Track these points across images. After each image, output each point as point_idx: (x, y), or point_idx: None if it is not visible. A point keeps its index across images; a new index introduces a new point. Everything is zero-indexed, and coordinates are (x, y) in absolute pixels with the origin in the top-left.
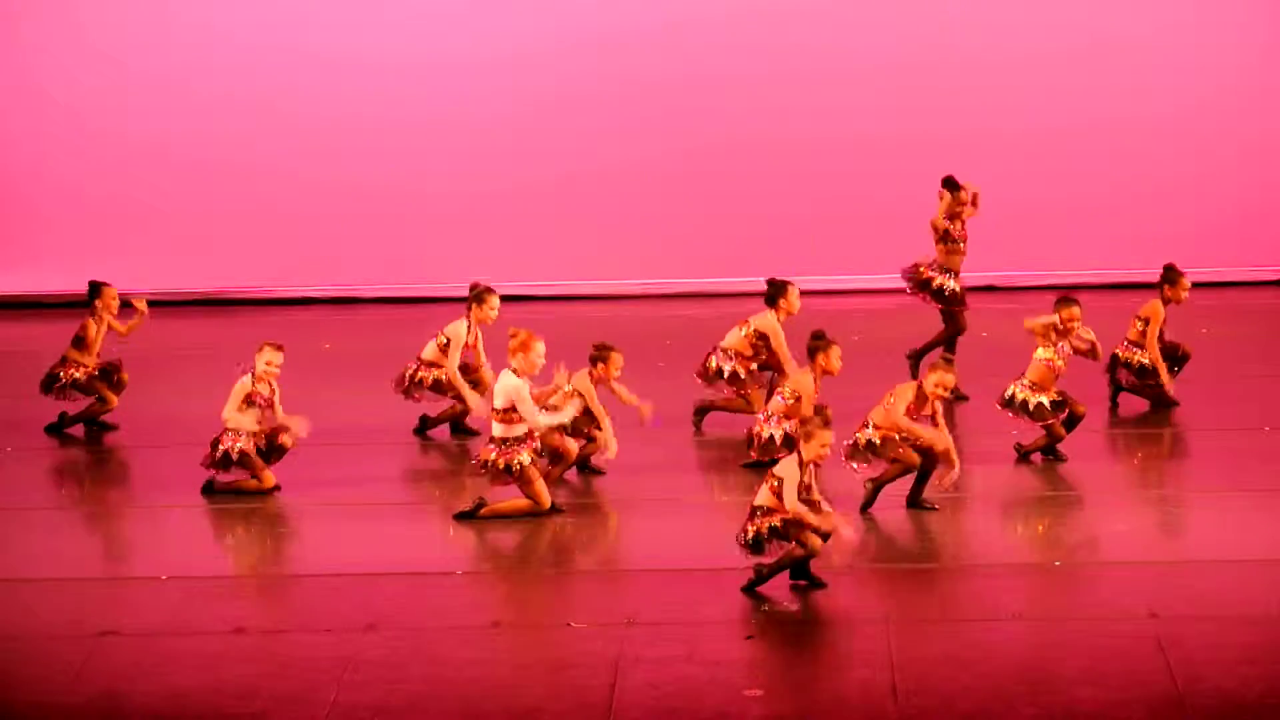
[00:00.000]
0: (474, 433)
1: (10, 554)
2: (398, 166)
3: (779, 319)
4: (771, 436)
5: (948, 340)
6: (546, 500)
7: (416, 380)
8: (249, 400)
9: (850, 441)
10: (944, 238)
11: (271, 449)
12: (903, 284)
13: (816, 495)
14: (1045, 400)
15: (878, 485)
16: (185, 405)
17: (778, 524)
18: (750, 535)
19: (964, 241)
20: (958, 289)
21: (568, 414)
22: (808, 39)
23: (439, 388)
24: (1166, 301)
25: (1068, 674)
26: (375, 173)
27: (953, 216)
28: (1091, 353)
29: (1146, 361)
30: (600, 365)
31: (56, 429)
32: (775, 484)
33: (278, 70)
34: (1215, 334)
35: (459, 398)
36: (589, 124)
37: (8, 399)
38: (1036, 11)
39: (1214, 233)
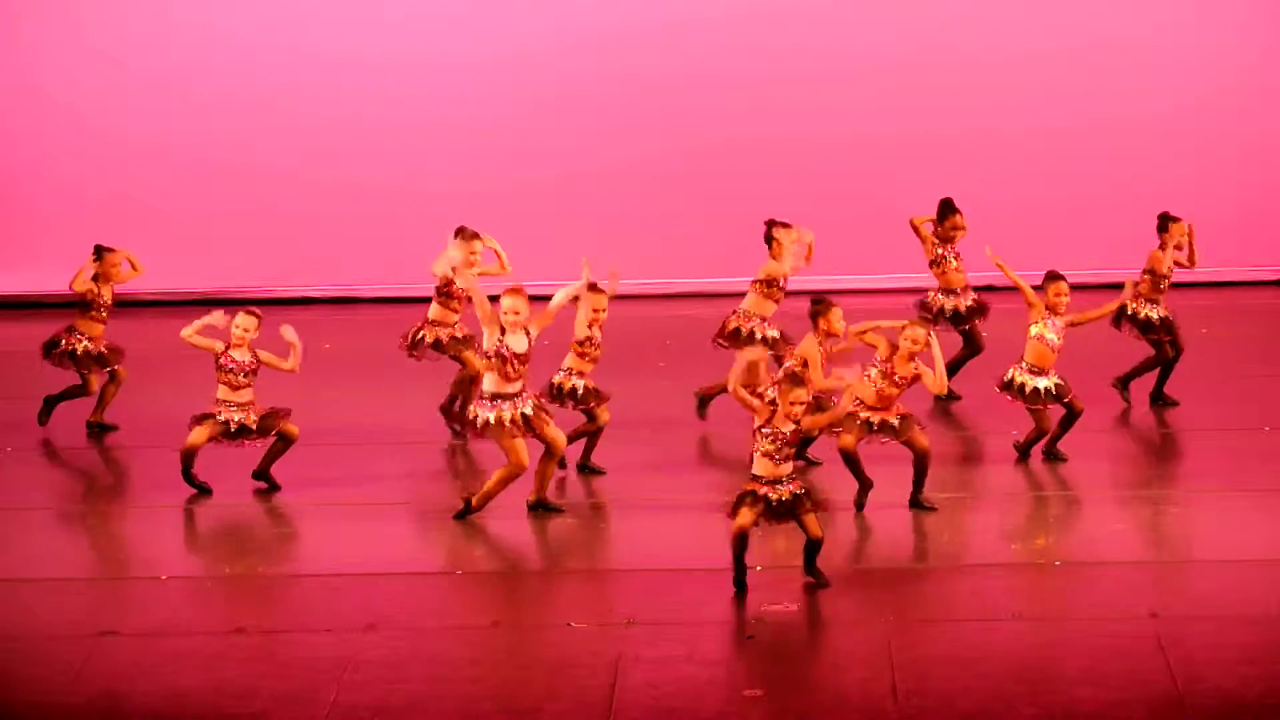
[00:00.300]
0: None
1: (10, 554)
2: (398, 166)
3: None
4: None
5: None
6: (524, 459)
7: (419, 338)
8: (222, 367)
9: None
10: (935, 261)
11: (263, 430)
12: (908, 290)
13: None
14: (1041, 386)
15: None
16: (185, 405)
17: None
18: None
19: (957, 259)
20: (961, 306)
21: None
22: (808, 39)
23: (440, 347)
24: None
25: (1068, 674)
26: (375, 173)
27: (946, 239)
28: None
29: (1154, 316)
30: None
31: (43, 413)
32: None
33: (278, 70)
34: (1215, 334)
35: (457, 358)
36: (589, 124)
37: (8, 399)
38: (1036, 11)
39: (1214, 233)
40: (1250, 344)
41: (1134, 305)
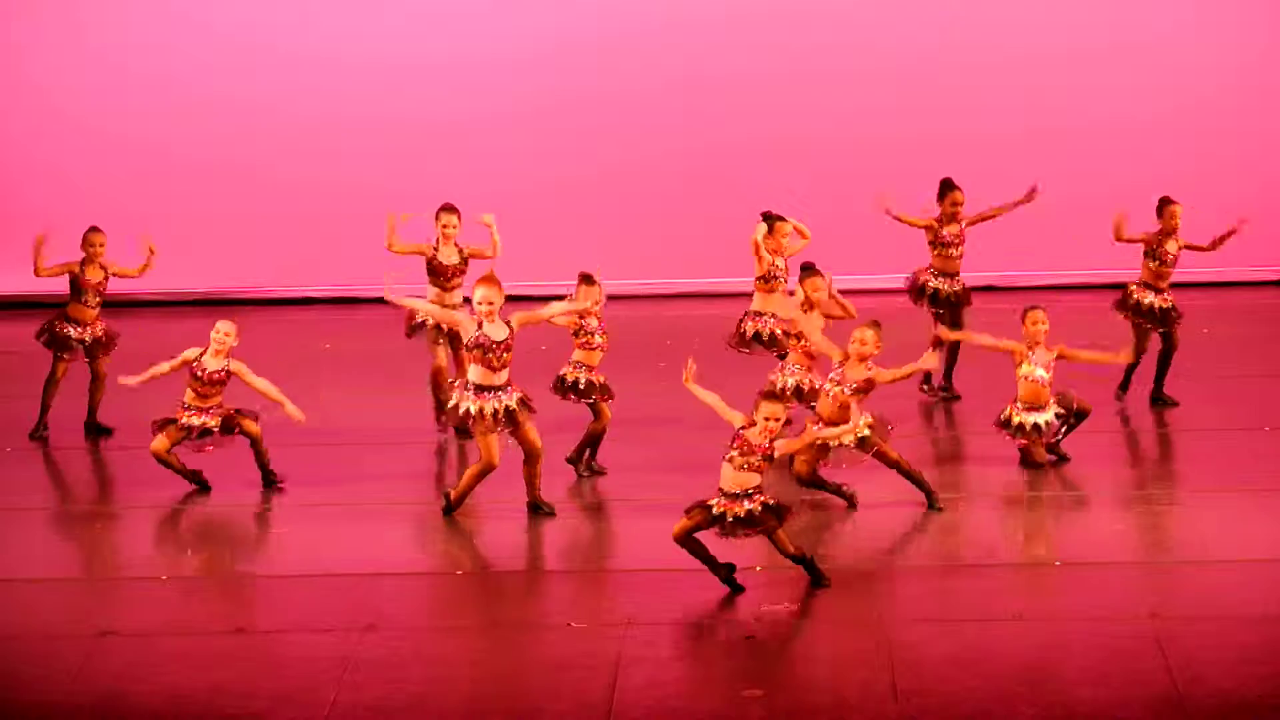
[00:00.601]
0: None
1: (10, 554)
2: (397, 166)
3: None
4: (787, 385)
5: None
6: (495, 457)
7: (419, 322)
8: (193, 373)
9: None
10: (934, 242)
11: (225, 429)
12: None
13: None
14: (1042, 420)
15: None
16: None
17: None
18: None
19: (958, 245)
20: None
21: (567, 305)
22: (808, 39)
23: (438, 329)
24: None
25: (1068, 674)
26: (375, 173)
27: (947, 219)
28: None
29: (1155, 305)
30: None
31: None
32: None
33: (277, 71)
34: (1215, 334)
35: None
36: (589, 124)
37: (7, 399)
38: (1037, 12)
39: (1214, 233)
40: (1250, 344)
41: (1136, 292)
